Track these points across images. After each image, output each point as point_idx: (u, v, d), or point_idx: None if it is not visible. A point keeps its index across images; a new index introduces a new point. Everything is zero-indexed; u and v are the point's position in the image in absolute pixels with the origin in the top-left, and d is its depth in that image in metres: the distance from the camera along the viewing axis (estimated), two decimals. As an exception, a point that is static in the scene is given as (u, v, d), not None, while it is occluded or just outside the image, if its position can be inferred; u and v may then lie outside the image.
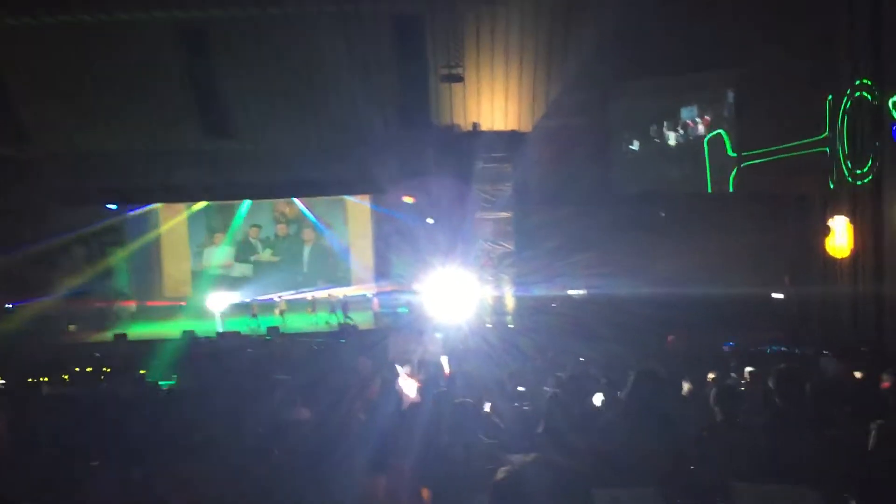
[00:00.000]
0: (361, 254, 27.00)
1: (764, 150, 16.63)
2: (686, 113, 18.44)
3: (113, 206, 24.16)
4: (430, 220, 20.73)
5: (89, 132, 20.41)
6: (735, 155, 17.01)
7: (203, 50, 18.72)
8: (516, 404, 7.43)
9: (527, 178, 19.98)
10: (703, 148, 17.79)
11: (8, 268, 21.32)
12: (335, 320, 22.93)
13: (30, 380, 13.21)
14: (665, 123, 18.80)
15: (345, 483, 5.28)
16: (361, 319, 22.86)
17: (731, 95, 17.55)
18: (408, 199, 22.42)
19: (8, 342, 20.13)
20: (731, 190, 17.25)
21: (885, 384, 7.45)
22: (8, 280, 21.47)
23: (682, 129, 18.53)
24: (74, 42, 18.52)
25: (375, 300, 24.20)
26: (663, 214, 18.39)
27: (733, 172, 17.18)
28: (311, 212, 27.04)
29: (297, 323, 23.13)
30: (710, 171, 17.78)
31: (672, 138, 18.73)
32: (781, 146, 16.29)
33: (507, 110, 20.28)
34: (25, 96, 19.58)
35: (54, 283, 22.57)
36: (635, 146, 19.31)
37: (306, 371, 10.78)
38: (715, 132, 17.41)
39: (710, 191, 17.68)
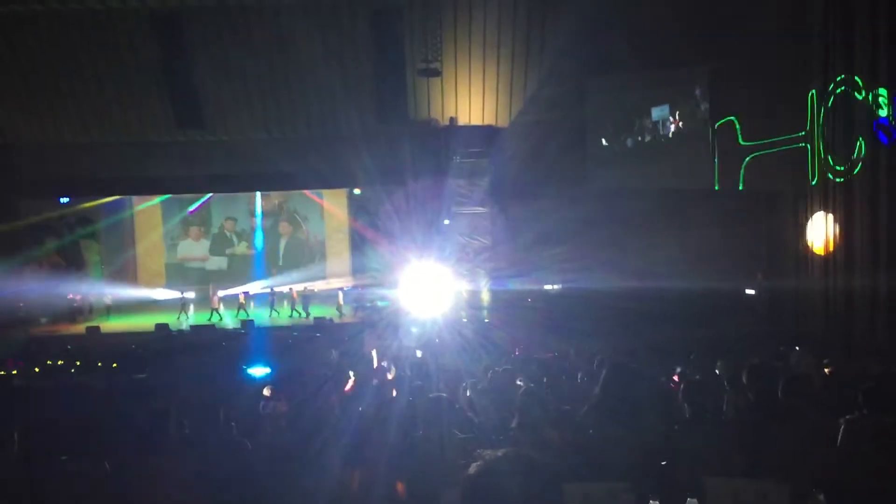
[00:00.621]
0: (337, 248, 26.92)
1: (745, 144, 16.74)
2: (658, 109, 18.55)
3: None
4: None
5: (60, 123, 20.15)
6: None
7: (177, 40, 18.51)
8: (490, 399, 7.45)
9: (503, 172, 20.02)
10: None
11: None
12: (309, 314, 22.86)
13: (1, 372, 13.07)
14: (638, 119, 18.91)
15: (319, 477, 5.27)
16: (336, 313, 22.79)
17: (702, 92, 17.64)
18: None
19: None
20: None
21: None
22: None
23: (657, 124, 18.65)
24: (47, 32, 18.27)
25: (351, 294, 24.16)
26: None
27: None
28: (287, 205, 26.92)
29: (266, 317, 22.99)
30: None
31: (646, 134, 18.83)
32: (759, 142, 16.41)
33: (485, 105, 20.30)
34: (1, 86, 19.31)
35: (26, 274, 22.27)
36: (609, 141, 19.41)
37: (282, 364, 10.76)
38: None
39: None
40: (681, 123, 18.19)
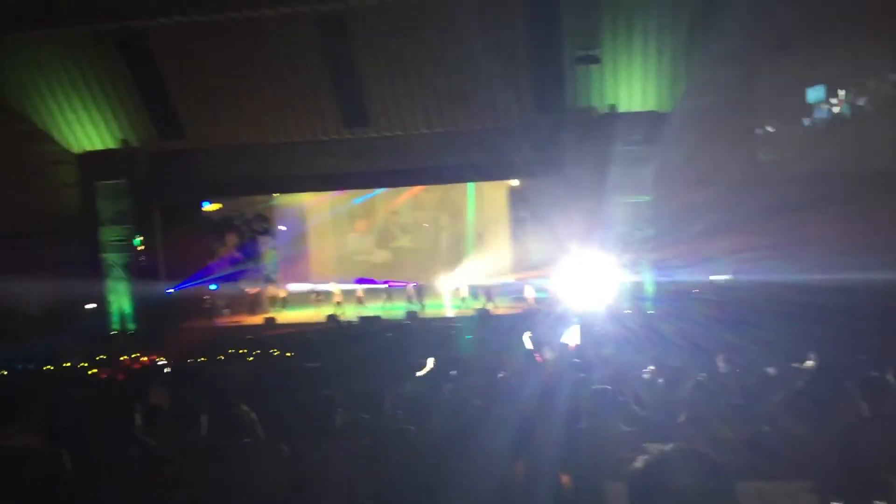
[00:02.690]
0: (497, 239, 27.03)
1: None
2: (835, 88, 17.29)
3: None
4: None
5: (236, 126, 21.45)
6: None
7: (342, 41, 19.22)
8: (657, 391, 7.23)
9: (668, 160, 19.33)
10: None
11: (168, 255, 22.88)
12: (472, 305, 23.13)
13: (189, 360, 14.11)
14: (815, 99, 17.70)
15: (483, 467, 5.30)
16: (498, 305, 22.95)
17: (890, 67, 16.28)
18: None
19: (169, 326, 21.63)
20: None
21: None
22: (167, 266, 23.02)
23: (834, 104, 17.39)
24: (224, 39, 19.47)
25: (511, 285, 24.22)
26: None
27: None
28: (448, 198, 27.27)
29: (433, 308, 23.48)
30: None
31: (823, 114, 17.61)
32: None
33: (647, 91, 19.68)
34: (179, 92, 20.81)
35: (210, 270, 24.02)
36: (782, 124, 18.29)
37: (444, 354, 10.93)
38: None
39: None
40: (863, 101, 16.87)
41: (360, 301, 23.99)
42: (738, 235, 17.07)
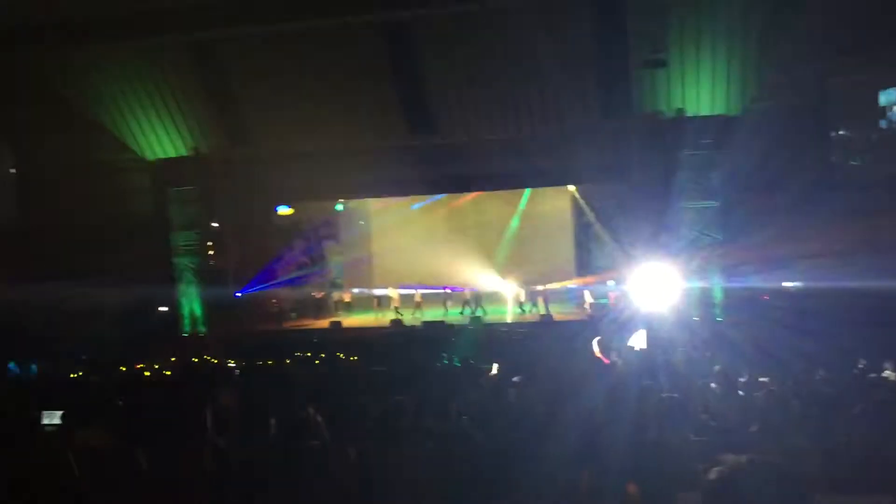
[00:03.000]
0: (561, 245, 26.84)
1: None
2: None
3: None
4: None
5: (305, 134, 21.80)
6: None
7: (409, 49, 19.38)
8: (726, 400, 7.07)
9: (738, 164, 18.90)
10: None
11: (236, 259, 23.39)
12: (534, 311, 23.00)
13: (258, 362, 14.38)
14: (892, 101, 17.11)
15: (547, 474, 5.27)
16: (561, 311, 22.79)
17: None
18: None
19: (237, 329, 22.10)
20: None
21: None
22: (236, 270, 23.52)
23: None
24: (293, 49, 19.82)
25: (575, 291, 24.01)
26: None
27: None
28: (512, 203, 27.14)
29: (495, 313, 23.40)
30: None
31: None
32: None
33: (715, 94, 19.31)
34: (248, 101, 21.27)
35: (278, 274, 24.47)
36: (857, 126, 17.73)
37: (510, 359, 10.90)
38: None
39: None
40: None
41: (418, 306, 24.08)
42: (810, 241, 16.59)
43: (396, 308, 24.07)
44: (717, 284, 19.36)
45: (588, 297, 22.90)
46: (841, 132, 17.99)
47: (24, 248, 21.65)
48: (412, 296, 24.49)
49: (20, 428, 4.99)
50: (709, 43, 18.40)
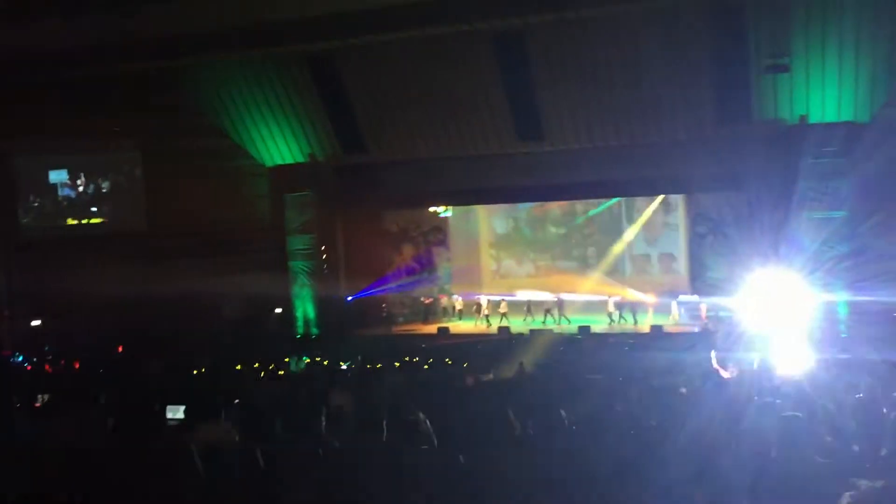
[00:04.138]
0: (675, 255, 26.13)
1: None
2: None
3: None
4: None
5: (415, 140, 22.14)
6: None
7: (518, 57, 19.39)
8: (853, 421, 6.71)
9: (866, 173, 17.95)
10: None
11: (348, 264, 23.95)
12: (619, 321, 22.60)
13: (368, 365, 14.66)
14: None
15: (659, 492, 5.13)
16: (671, 321, 22.24)
17: None
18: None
19: (348, 332, 22.62)
20: None
21: None
22: (348, 275, 24.09)
23: None
24: (405, 57, 20.18)
25: (690, 303, 23.33)
26: None
27: None
28: (626, 212, 26.58)
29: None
30: None
31: None
32: None
33: (841, 100, 18.44)
34: (361, 109, 21.79)
35: (387, 279, 24.92)
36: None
37: (619, 372, 10.72)
38: None
39: None
40: None
41: (503, 314, 24.00)
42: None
43: (486, 315, 24.08)
44: (842, 299, 18.43)
45: (705, 310, 22.23)
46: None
47: (149, 249, 22.85)
48: (498, 304, 24.44)
49: (147, 422, 5.26)
50: (835, 46, 17.58)
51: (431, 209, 26.53)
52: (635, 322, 22.95)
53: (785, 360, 10.64)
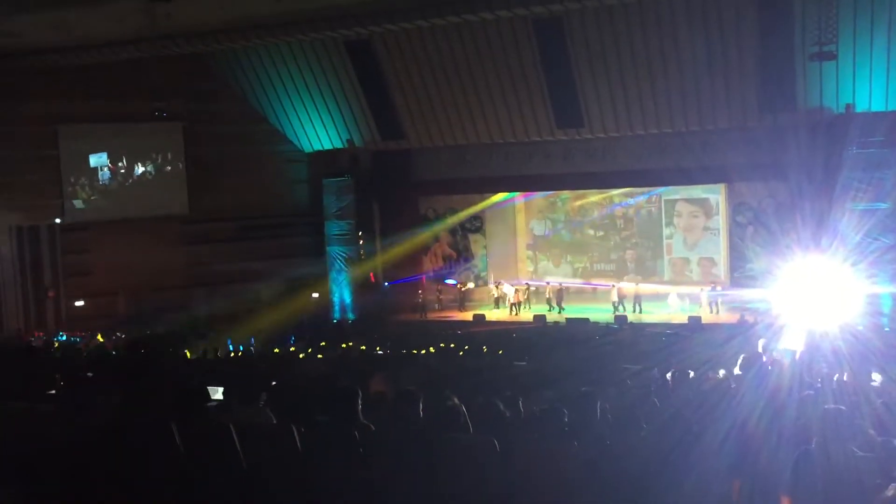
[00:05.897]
0: (714, 244, 25.74)
1: None
2: None
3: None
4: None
5: (452, 127, 22.14)
6: None
7: (558, 43, 19.28)
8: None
9: (912, 164, 17.60)
10: None
11: (385, 252, 24.09)
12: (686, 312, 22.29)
13: (403, 351, 14.75)
14: None
15: (696, 483, 5.11)
16: (708, 313, 21.99)
17: None
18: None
19: (385, 317, 22.76)
20: None
21: None
22: (384, 261, 24.21)
23: None
24: (443, 43, 20.18)
25: (730, 294, 23.00)
26: None
27: None
28: (669, 202, 26.15)
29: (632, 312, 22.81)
30: None
31: None
32: None
33: (888, 89, 18.07)
34: (400, 95, 21.83)
35: (424, 266, 24.99)
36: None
37: (656, 362, 10.64)
38: None
39: None
40: None
41: (521, 302, 23.97)
42: None
43: (513, 305, 23.99)
44: (885, 291, 18.08)
45: (744, 300, 21.88)
46: None
47: (190, 233, 23.21)
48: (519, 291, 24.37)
49: (191, 403, 5.34)
50: (884, 33, 17.22)
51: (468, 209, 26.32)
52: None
53: (826, 352, 10.51)
